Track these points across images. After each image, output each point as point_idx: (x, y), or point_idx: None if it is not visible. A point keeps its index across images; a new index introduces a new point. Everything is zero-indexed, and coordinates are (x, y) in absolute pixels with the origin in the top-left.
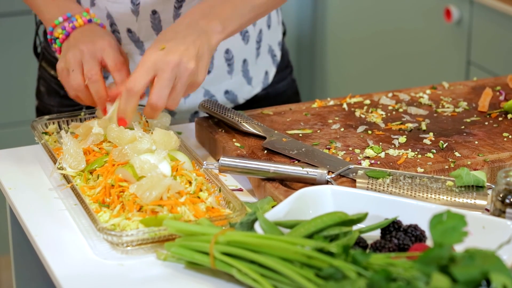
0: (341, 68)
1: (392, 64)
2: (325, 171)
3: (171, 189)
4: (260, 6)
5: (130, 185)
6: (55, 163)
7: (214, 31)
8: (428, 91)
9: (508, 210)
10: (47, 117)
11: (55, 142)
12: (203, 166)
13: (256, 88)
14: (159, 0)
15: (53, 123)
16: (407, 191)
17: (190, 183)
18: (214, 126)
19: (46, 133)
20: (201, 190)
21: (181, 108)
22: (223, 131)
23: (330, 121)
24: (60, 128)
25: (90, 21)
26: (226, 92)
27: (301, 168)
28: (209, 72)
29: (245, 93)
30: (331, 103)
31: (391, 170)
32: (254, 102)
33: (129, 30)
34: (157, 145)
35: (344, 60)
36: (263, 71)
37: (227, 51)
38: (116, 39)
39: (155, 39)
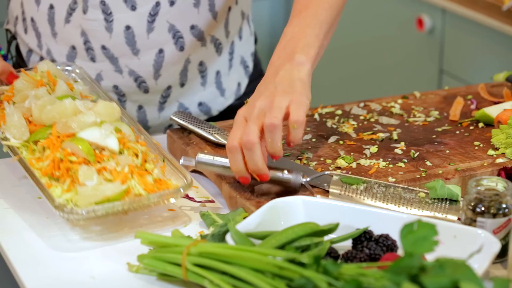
0: (313, 78)
1: (364, 74)
2: (300, 174)
3: (120, 164)
4: (326, 21)
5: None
6: None
7: (299, 63)
8: (399, 101)
9: (479, 219)
10: None
11: None
12: (180, 163)
13: (229, 99)
14: (132, 15)
15: None
16: (380, 200)
17: (136, 155)
18: (186, 138)
19: None
20: (146, 161)
21: (155, 121)
22: (194, 142)
23: None
24: None
25: None
26: (200, 104)
27: (277, 170)
28: (183, 85)
29: (219, 105)
30: None
31: (367, 178)
32: (228, 113)
33: (103, 47)
34: (100, 117)
35: (316, 70)
36: (236, 82)
37: (201, 63)
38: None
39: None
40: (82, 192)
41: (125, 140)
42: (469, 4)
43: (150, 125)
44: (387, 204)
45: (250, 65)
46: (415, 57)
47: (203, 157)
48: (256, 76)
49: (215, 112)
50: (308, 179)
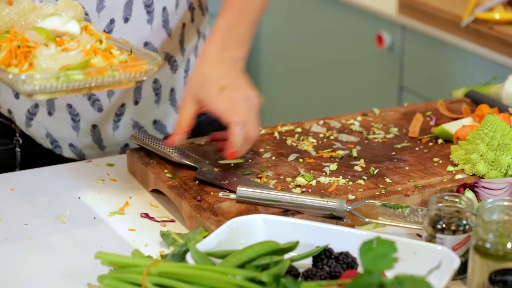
0: (274, 97)
1: (324, 91)
2: (344, 201)
3: (82, 44)
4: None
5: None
6: None
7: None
8: (359, 118)
9: (438, 235)
10: None
11: None
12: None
13: None
14: None
15: None
16: None
17: (100, 41)
18: (146, 157)
19: None
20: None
21: (110, 140)
22: (154, 162)
23: (262, 150)
24: None
25: None
26: (155, 122)
27: (320, 198)
28: (137, 102)
29: (174, 122)
30: (262, 132)
31: (402, 204)
32: None
33: None
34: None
35: (278, 89)
36: None
37: (155, 81)
38: None
39: (187, 83)
40: (39, 63)
41: (87, 27)
42: (428, 21)
43: (105, 144)
44: None
45: None
46: (375, 74)
47: (243, 191)
48: None
49: (171, 130)
50: (351, 207)
